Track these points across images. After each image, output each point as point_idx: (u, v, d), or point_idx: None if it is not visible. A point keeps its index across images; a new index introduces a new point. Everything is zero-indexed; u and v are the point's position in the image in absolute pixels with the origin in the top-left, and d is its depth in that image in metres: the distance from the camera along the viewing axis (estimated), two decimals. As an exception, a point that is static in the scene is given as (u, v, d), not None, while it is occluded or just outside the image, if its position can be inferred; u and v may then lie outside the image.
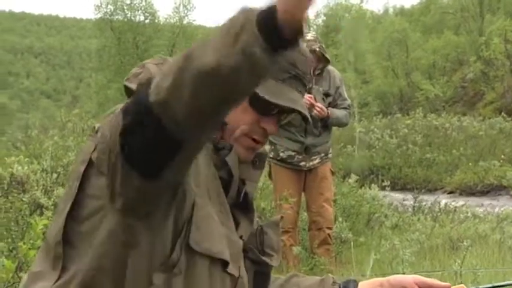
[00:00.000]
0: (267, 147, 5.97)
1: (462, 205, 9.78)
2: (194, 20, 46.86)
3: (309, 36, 5.73)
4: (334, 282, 1.83)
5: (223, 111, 1.30)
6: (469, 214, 8.91)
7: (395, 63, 36.53)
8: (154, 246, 1.45)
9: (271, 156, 5.87)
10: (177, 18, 44.43)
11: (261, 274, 1.71)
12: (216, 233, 1.52)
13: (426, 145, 18.86)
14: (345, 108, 5.89)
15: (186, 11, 44.89)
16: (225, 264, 1.53)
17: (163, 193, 1.42)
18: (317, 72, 5.75)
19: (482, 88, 30.09)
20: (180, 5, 45.06)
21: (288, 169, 5.83)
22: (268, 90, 1.56)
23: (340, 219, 6.67)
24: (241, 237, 1.63)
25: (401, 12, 47.08)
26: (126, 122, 1.33)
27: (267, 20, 1.18)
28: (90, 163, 1.50)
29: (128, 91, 1.57)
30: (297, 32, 1.19)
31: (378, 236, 7.52)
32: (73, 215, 1.51)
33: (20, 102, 75.34)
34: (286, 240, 5.79)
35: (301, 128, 5.72)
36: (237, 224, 1.63)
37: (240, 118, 1.60)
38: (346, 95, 5.98)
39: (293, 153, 5.75)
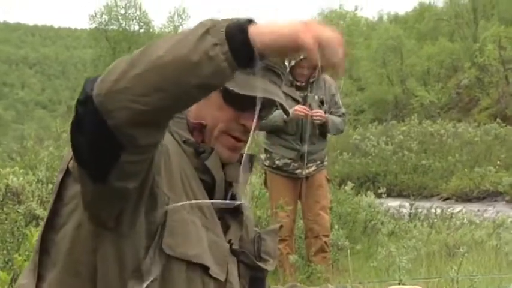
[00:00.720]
0: (262, 155, 5.96)
1: (458, 211, 9.78)
2: (189, 29, 46.90)
3: (304, 43, 5.73)
4: None
5: (167, 109, 1.26)
6: (465, 220, 8.90)
7: (390, 70, 36.61)
8: (124, 253, 1.42)
9: (266, 164, 5.86)
10: (171, 27, 44.53)
11: (256, 279, 1.69)
12: (194, 237, 1.48)
13: (422, 152, 18.88)
14: (339, 116, 5.89)
15: (180, 20, 45.02)
16: (204, 268, 1.51)
17: (118, 199, 1.38)
18: (312, 79, 5.75)
19: (477, 94, 30.17)
20: (174, 14, 45.18)
21: (283, 177, 5.82)
22: (240, 84, 1.53)
23: (336, 226, 6.66)
24: (229, 241, 1.61)
25: (395, 19, 47.22)
26: (73, 117, 1.30)
27: (238, 31, 1.22)
28: (67, 172, 1.48)
29: None
30: (264, 56, 1.24)
31: (374, 243, 7.52)
32: (51, 224, 1.50)
33: (15, 113, 75.20)
34: (283, 248, 5.77)
35: (297, 136, 5.71)
36: (227, 227, 1.61)
37: (217, 116, 1.57)
38: (340, 103, 5.98)
39: (289, 161, 5.74)
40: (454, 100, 32.58)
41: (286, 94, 5.72)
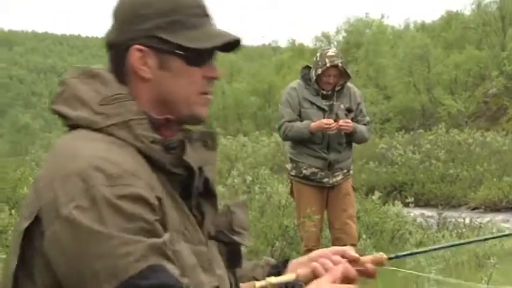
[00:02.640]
0: (288, 165, 5.93)
1: (487, 221, 9.67)
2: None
3: (331, 51, 5.72)
4: (267, 264, 1.78)
5: None
6: (495, 230, 8.80)
7: (416, 78, 36.44)
8: None
9: (293, 174, 5.83)
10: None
11: (233, 253, 1.65)
12: (187, 266, 1.45)
13: (449, 161, 18.74)
14: (365, 124, 5.86)
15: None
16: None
17: None
18: (338, 88, 5.73)
19: (505, 103, 29.90)
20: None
21: (311, 186, 5.78)
22: (195, 41, 1.50)
23: (364, 236, 6.61)
24: (209, 233, 1.56)
25: (422, 27, 47.01)
26: None
27: None
28: (36, 220, 1.37)
29: (61, 115, 1.49)
30: None
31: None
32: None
33: (43, 122, 76.00)
34: (310, 258, 5.73)
35: (324, 145, 5.69)
36: (202, 216, 1.56)
37: (187, 84, 1.52)
38: (365, 112, 5.96)
39: (316, 170, 5.71)
40: (481, 109, 32.34)
41: (312, 103, 5.72)
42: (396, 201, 9.33)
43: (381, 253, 1.69)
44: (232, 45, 1.57)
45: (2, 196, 7.89)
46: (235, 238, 1.62)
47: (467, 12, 42.93)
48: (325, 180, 5.72)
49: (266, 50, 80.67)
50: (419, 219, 9.97)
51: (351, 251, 1.67)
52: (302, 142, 5.71)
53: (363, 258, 1.65)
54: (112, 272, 1.27)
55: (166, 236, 1.36)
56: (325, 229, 6.42)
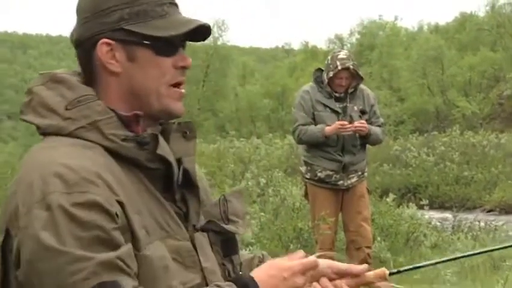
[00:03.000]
0: (302, 168, 5.92)
1: (503, 224, 9.61)
2: (228, 41, 47.21)
3: (342, 54, 5.71)
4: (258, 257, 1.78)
5: None
6: (510, 233, 8.74)
7: (430, 80, 36.27)
8: None
9: (308, 177, 5.82)
10: (211, 39, 44.77)
11: (227, 241, 1.63)
12: (157, 268, 1.42)
13: (464, 163, 18.64)
14: (379, 126, 5.85)
15: (220, 32, 45.29)
16: None
17: None
18: (351, 90, 5.72)
19: (520, 104, 29.70)
20: (214, 26, 45.43)
21: (325, 189, 5.77)
22: (162, 30, 1.48)
23: (378, 238, 6.59)
24: (194, 226, 1.53)
25: (436, 29, 46.83)
26: None
27: None
28: (8, 235, 1.36)
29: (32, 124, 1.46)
30: None
31: (417, 255, 7.41)
32: None
33: (57, 125, 76.29)
34: (325, 260, 5.72)
35: (338, 147, 5.68)
36: (187, 208, 1.54)
37: (157, 75, 1.50)
38: (379, 113, 5.95)
39: (331, 173, 5.70)
40: (496, 111, 32.14)
41: (325, 106, 5.71)
42: (410, 204, 9.27)
43: (383, 268, 1.68)
44: (202, 33, 1.56)
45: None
46: (230, 227, 1.60)
47: (481, 13, 42.76)
48: (340, 182, 5.71)
49: (279, 52, 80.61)
50: (434, 222, 9.92)
51: (354, 268, 1.66)
52: (316, 145, 5.70)
53: (366, 274, 1.65)
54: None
55: (124, 247, 1.33)
56: (340, 232, 6.40)
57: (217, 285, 1.43)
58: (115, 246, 1.31)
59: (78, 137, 1.41)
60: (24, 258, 1.30)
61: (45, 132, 1.45)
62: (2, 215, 1.39)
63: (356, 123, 5.57)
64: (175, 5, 1.55)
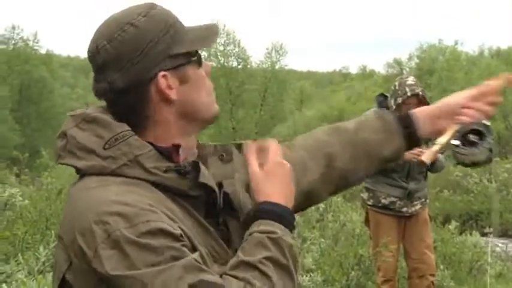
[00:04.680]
0: (364, 194, 5.83)
1: None
2: (286, 65, 47.37)
3: (410, 80, 5.61)
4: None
5: None
6: None
7: (492, 105, 35.68)
8: None
9: (370, 203, 5.73)
10: (269, 63, 45.04)
11: None
12: None
13: (527, 190, 18.21)
14: (441, 153, 5.75)
15: (278, 56, 45.49)
16: None
17: None
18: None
19: None
20: (272, 50, 45.69)
21: (388, 216, 5.68)
22: (198, 41, 1.51)
23: (441, 266, 6.45)
24: (236, 249, 1.49)
25: (497, 53, 46.15)
26: None
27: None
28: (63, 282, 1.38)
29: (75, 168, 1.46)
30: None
31: (481, 285, 7.23)
32: None
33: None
34: (387, 289, 5.62)
35: (403, 174, 5.59)
36: (229, 231, 1.52)
37: (203, 87, 1.53)
38: (439, 139, 5.86)
39: (395, 199, 5.61)
40: (560, 136, 31.41)
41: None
42: (473, 231, 9.08)
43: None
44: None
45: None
46: None
47: (544, 37, 41.96)
48: (404, 209, 5.62)
49: (336, 76, 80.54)
50: (498, 250, 9.68)
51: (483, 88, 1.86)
52: (380, 171, 5.61)
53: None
54: None
55: (196, 254, 1.35)
56: (401, 260, 6.29)
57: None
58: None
59: (120, 175, 1.41)
60: None
61: (85, 174, 1.44)
62: (60, 262, 1.39)
63: (424, 152, 5.47)
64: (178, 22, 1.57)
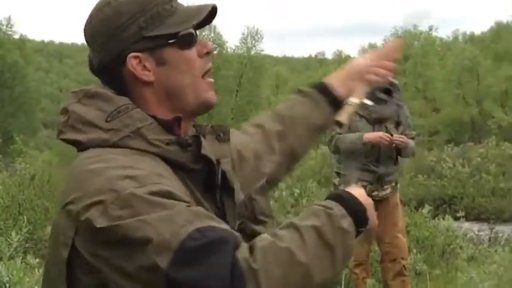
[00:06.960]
0: (335, 180, 5.86)
1: (541, 236, 9.45)
2: (262, 50, 47.30)
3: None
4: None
5: None
6: (548, 246, 8.59)
7: (465, 90, 36.00)
8: None
9: (341, 188, 5.77)
10: (244, 48, 44.95)
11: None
12: None
13: (500, 174, 18.43)
14: (412, 138, 5.78)
15: (253, 42, 45.43)
16: None
17: None
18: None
19: (558, 115, 29.29)
20: (247, 35, 45.61)
21: (360, 199, 5.72)
22: (182, 23, 1.49)
23: (414, 250, 6.51)
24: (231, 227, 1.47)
25: (471, 39, 46.48)
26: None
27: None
28: (74, 249, 1.34)
29: (71, 142, 1.45)
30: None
31: (453, 268, 7.31)
32: None
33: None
34: (359, 272, 5.66)
35: (373, 158, 5.61)
36: (224, 209, 1.52)
37: (189, 69, 1.50)
38: (412, 125, 5.92)
39: (366, 184, 5.64)
40: (533, 121, 31.73)
41: (361, 116, 5.65)
42: (446, 215, 9.15)
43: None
44: (212, 15, 1.56)
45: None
46: (260, 228, 1.57)
47: (517, 23, 42.28)
48: (375, 193, 5.64)
49: (312, 62, 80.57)
50: (470, 234, 9.79)
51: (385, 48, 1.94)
52: (351, 155, 5.63)
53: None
54: (162, 245, 1.22)
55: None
56: (373, 243, 6.34)
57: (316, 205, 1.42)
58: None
59: (123, 147, 1.40)
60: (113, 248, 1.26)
61: (87, 147, 1.42)
62: (67, 227, 1.34)
63: (396, 137, 5.51)
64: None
